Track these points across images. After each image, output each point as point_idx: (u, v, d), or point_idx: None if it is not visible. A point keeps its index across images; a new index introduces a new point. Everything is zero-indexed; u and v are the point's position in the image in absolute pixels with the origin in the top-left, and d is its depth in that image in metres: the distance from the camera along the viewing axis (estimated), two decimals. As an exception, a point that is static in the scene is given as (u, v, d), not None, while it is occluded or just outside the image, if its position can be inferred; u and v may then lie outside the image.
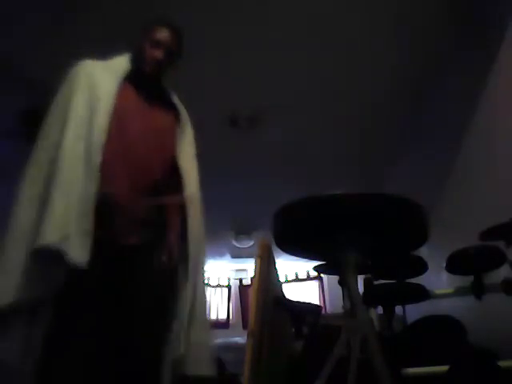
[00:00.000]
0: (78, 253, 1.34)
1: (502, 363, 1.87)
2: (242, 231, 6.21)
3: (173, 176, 1.68)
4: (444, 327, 2.34)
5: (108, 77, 1.62)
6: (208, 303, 1.72)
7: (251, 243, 6.23)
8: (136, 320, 1.49)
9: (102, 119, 1.52)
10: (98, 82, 1.59)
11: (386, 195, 1.47)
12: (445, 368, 1.89)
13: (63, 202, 1.37)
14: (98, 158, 1.46)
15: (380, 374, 1.34)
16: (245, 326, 6.20)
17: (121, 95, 1.59)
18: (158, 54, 1.65)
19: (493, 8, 2.73)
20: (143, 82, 1.69)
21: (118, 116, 1.56)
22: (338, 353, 1.44)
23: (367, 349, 1.39)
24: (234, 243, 6.36)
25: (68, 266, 1.32)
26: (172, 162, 1.69)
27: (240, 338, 3.39)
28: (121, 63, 1.70)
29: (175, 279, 1.59)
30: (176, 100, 1.79)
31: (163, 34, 1.67)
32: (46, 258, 1.33)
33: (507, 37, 2.60)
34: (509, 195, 2.48)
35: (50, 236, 1.31)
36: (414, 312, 2.59)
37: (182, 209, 1.66)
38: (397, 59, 3.31)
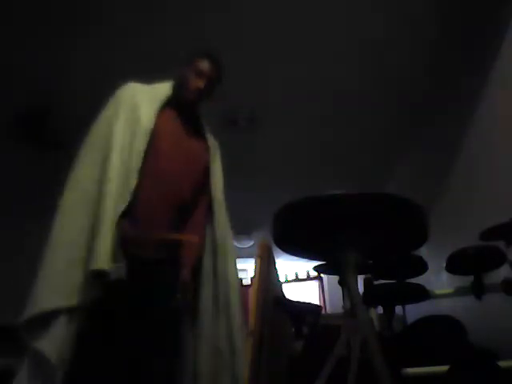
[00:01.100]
0: (120, 274, 1.48)
1: (502, 363, 1.87)
2: (241, 231, 6.21)
3: (201, 199, 1.80)
4: (444, 327, 2.34)
5: (149, 101, 1.73)
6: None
7: (251, 243, 6.23)
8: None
9: (140, 144, 1.62)
10: (140, 105, 1.70)
11: (386, 195, 1.47)
12: (445, 368, 1.89)
13: (111, 230, 1.49)
14: (133, 183, 1.57)
15: (380, 374, 1.34)
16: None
17: (160, 119, 1.70)
18: (201, 83, 1.77)
19: (494, 8, 2.73)
20: (182, 109, 1.80)
21: (155, 138, 1.66)
22: (338, 353, 1.44)
23: (367, 349, 1.39)
24: (234, 243, 6.35)
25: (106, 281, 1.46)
26: (201, 186, 1.80)
27: (240, 338, 3.39)
28: (163, 89, 1.80)
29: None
30: (208, 131, 1.90)
31: (206, 66, 1.80)
32: (93, 276, 1.47)
33: (507, 37, 2.60)
34: (509, 195, 2.48)
35: (103, 263, 1.45)
36: (414, 312, 2.59)
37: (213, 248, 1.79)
38: (397, 59, 3.31)
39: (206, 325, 1.69)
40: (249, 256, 6.21)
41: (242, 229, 6.18)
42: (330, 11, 2.90)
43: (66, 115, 3.48)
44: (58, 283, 1.48)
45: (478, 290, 2.25)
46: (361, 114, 3.89)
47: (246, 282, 7.41)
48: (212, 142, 1.89)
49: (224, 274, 1.74)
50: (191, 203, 1.76)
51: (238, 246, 6.37)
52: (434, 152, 3.72)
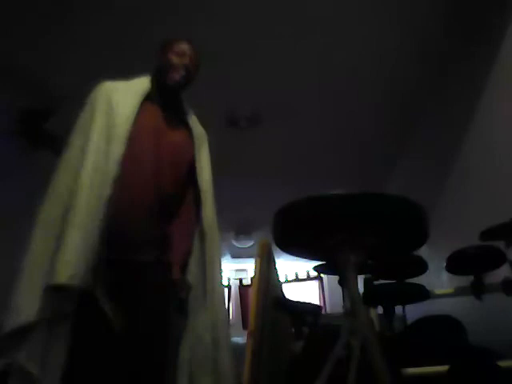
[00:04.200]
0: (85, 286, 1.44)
1: (502, 363, 1.87)
2: (241, 231, 6.21)
3: (187, 192, 1.76)
4: (444, 327, 2.34)
5: (127, 99, 1.67)
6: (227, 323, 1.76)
7: (251, 243, 6.23)
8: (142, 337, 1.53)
9: (118, 149, 1.57)
10: (117, 107, 1.64)
11: (385, 195, 1.47)
12: (445, 368, 1.89)
13: (76, 240, 1.44)
14: (108, 190, 1.52)
15: (380, 374, 1.34)
16: (245, 326, 6.20)
17: (140, 116, 1.65)
18: (185, 61, 1.73)
19: (494, 7, 2.73)
20: (165, 99, 1.75)
21: (135, 137, 1.61)
22: (338, 353, 1.44)
23: (367, 349, 1.39)
24: (234, 243, 6.36)
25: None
26: (186, 178, 1.76)
27: (240, 338, 3.39)
28: (142, 83, 1.76)
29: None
30: (192, 118, 1.85)
31: (185, 46, 1.77)
32: (60, 289, 1.43)
33: (507, 37, 2.60)
34: (509, 195, 2.48)
35: (62, 277, 1.40)
36: (413, 312, 2.59)
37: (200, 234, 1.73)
38: (397, 59, 3.31)
39: (190, 315, 1.66)
40: (249, 256, 6.22)
41: (242, 229, 6.18)
42: (331, 12, 2.91)
43: (66, 115, 3.48)
44: (35, 295, 1.44)
45: (477, 289, 2.25)
46: (361, 114, 3.89)
47: (246, 282, 7.42)
48: (198, 130, 1.84)
49: (211, 266, 1.70)
50: (177, 196, 1.73)
51: (238, 245, 6.37)
52: (434, 152, 3.72)
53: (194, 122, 1.85)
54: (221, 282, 1.75)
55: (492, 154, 2.78)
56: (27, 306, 1.44)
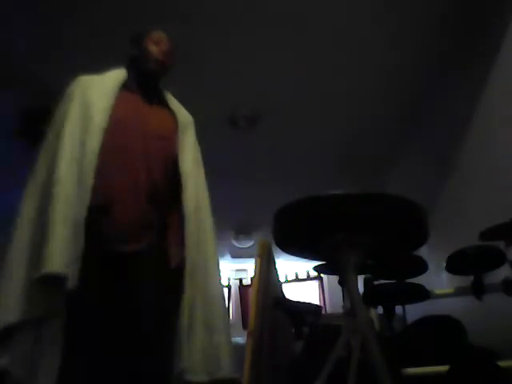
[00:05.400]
0: (73, 278, 1.39)
1: (502, 363, 1.87)
2: (241, 231, 6.21)
3: (175, 178, 1.72)
4: (444, 327, 2.34)
5: (103, 91, 1.66)
6: (222, 304, 1.67)
7: (251, 243, 6.23)
8: (140, 331, 1.52)
9: (94, 140, 1.55)
10: (92, 99, 1.63)
11: (385, 195, 1.47)
12: (445, 368, 1.89)
13: (61, 230, 1.41)
14: (90, 181, 1.50)
15: (380, 374, 1.34)
16: (245, 326, 6.20)
17: (118, 106, 1.64)
18: (162, 46, 1.74)
19: (494, 7, 2.73)
20: (142, 86, 1.75)
21: (115, 127, 1.60)
22: (338, 353, 1.44)
23: (367, 349, 1.39)
24: (234, 243, 6.36)
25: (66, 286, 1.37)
26: (174, 164, 1.73)
27: (240, 338, 3.38)
28: (117, 74, 1.75)
29: (180, 283, 1.60)
30: (174, 102, 1.84)
31: (161, 34, 1.77)
32: (47, 281, 1.38)
33: (508, 37, 2.60)
34: (509, 195, 2.48)
35: (53, 265, 1.36)
36: (413, 312, 2.59)
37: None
38: (397, 59, 3.31)
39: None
40: (249, 256, 6.22)
41: (242, 229, 6.18)
42: (331, 12, 2.91)
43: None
44: (19, 293, 1.41)
45: (477, 289, 2.25)
46: (361, 114, 3.89)
47: (246, 282, 7.42)
48: (182, 114, 1.83)
49: (203, 247, 1.68)
50: (168, 184, 1.70)
51: (238, 245, 6.37)
52: (434, 152, 3.72)
53: (176, 106, 1.84)
54: (216, 263, 1.71)
55: (492, 153, 2.78)
56: (11, 305, 1.40)
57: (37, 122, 3.73)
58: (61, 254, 1.38)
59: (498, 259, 2.14)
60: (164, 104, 1.82)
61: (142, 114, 1.70)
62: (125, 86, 1.71)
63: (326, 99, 3.71)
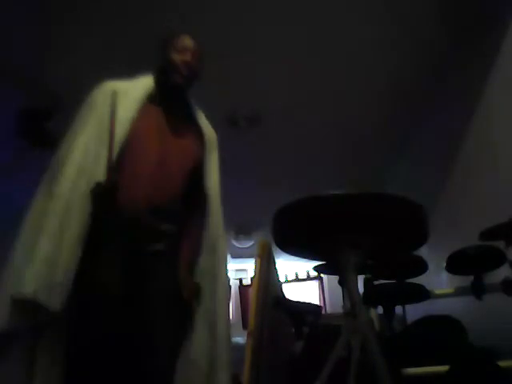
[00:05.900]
0: (53, 301, 1.32)
1: (502, 363, 1.87)
2: (242, 231, 6.21)
3: (194, 194, 1.70)
4: (444, 327, 2.34)
5: (127, 102, 1.58)
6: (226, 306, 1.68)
7: (251, 243, 6.23)
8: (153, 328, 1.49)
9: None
10: (115, 110, 1.54)
11: (385, 195, 1.47)
12: (445, 368, 1.89)
13: (49, 248, 1.35)
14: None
15: (380, 374, 1.34)
16: (245, 326, 6.20)
17: (141, 120, 1.57)
18: (188, 57, 1.63)
19: (493, 6, 2.73)
20: (170, 100, 1.67)
21: (135, 141, 1.54)
22: (338, 353, 1.44)
23: (367, 349, 1.39)
24: (234, 243, 6.36)
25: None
26: (192, 180, 1.69)
27: (240, 338, 3.38)
28: (144, 84, 1.66)
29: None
30: (202, 119, 1.77)
31: (187, 40, 1.67)
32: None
33: (507, 36, 2.60)
34: (509, 195, 2.48)
35: (26, 287, 1.31)
36: (413, 312, 2.59)
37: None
38: (397, 60, 3.31)
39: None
40: (249, 256, 6.22)
41: (242, 229, 6.18)
42: (331, 12, 2.91)
43: (67, 115, 3.48)
44: (7, 303, 1.34)
45: (477, 289, 2.25)
46: (361, 114, 3.89)
47: (246, 282, 7.41)
48: (209, 133, 1.76)
49: (213, 274, 1.68)
50: (182, 200, 1.65)
51: (238, 245, 6.37)
52: (434, 152, 3.72)
53: (204, 123, 1.76)
54: (226, 290, 1.76)
55: (492, 153, 2.78)
56: (1, 311, 1.34)
57: (37, 122, 3.74)
58: (39, 276, 1.31)
59: (498, 259, 2.14)
60: (191, 120, 1.73)
61: (162, 131, 1.62)
62: (150, 98, 1.63)
63: (325, 99, 3.71)
